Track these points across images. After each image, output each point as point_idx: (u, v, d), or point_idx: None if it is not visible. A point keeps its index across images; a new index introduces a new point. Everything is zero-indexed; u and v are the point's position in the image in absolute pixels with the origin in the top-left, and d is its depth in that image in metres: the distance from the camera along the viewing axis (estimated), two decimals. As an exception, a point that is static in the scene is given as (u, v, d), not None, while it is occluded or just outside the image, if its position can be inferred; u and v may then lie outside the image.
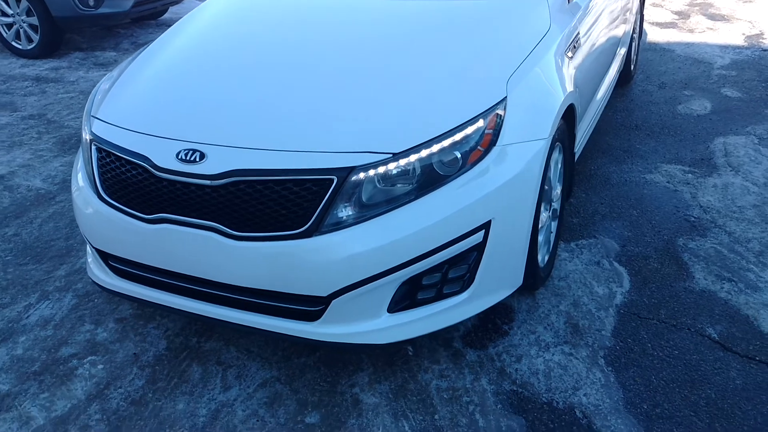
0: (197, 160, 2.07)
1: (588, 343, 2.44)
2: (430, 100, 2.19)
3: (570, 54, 2.70)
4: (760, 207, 3.28)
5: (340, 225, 2.02)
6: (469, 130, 2.13)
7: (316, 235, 2.01)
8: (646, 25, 6.53)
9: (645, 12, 6.96)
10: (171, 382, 2.36)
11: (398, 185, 2.06)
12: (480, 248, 2.18)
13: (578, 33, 2.84)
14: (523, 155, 2.22)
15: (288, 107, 2.18)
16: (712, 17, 6.72)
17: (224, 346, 2.52)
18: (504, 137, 2.19)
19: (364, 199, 2.03)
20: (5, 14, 6.25)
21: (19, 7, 6.17)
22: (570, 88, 2.59)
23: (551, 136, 2.33)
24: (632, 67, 4.95)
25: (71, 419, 2.23)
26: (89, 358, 2.48)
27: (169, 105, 2.32)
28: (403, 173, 2.05)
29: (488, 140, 2.16)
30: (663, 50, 5.78)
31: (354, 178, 2.00)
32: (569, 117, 2.73)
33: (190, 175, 2.07)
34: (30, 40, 6.31)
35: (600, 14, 3.31)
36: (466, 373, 2.34)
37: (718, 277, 2.77)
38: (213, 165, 2.06)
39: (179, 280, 2.24)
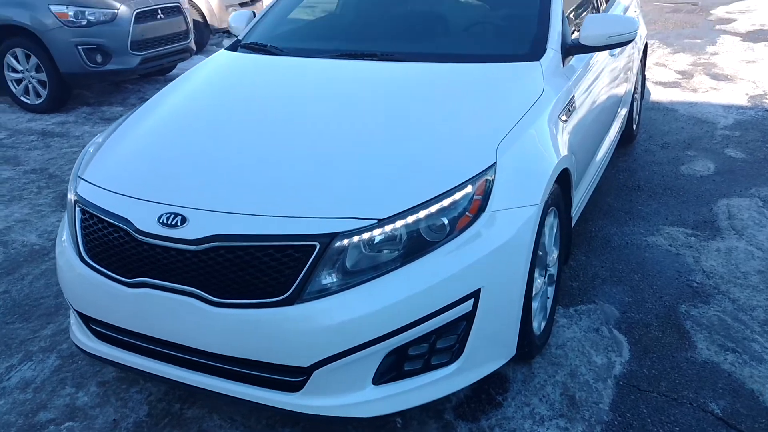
0: (178, 224, 2.03)
1: (585, 417, 2.34)
2: (417, 165, 2.15)
3: (564, 117, 2.67)
4: (765, 273, 3.19)
5: (322, 293, 1.95)
6: (457, 195, 2.08)
7: (297, 303, 1.95)
8: (649, 84, 6.55)
9: (648, 71, 7.00)
10: (149, 453, 2.27)
11: (384, 252, 2.00)
12: (469, 317, 2.10)
13: (573, 96, 2.81)
14: (513, 221, 2.16)
15: (272, 171, 2.15)
16: (716, 77, 6.73)
17: (207, 413, 2.43)
18: (493, 203, 2.14)
19: (348, 265, 1.97)
20: (15, 70, 6.36)
21: (28, 63, 6.28)
22: (564, 152, 2.56)
23: (543, 202, 2.28)
24: (634, 126, 4.94)
25: (42, 492, 2.13)
26: (67, 424, 2.40)
27: (153, 167, 2.30)
28: (389, 239, 2.00)
29: (477, 206, 2.11)
30: (666, 110, 5.77)
31: (337, 244, 1.95)
32: (564, 181, 2.69)
33: (171, 239, 2.03)
34: (38, 95, 6.40)
35: (598, 76, 3.30)
36: (455, 447, 2.24)
37: (721, 348, 2.67)
38: (194, 230, 2.01)
39: (159, 345, 2.18)
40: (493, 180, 2.16)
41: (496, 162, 2.19)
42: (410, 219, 2.01)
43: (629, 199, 4.07)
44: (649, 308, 2.95)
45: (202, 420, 2.40)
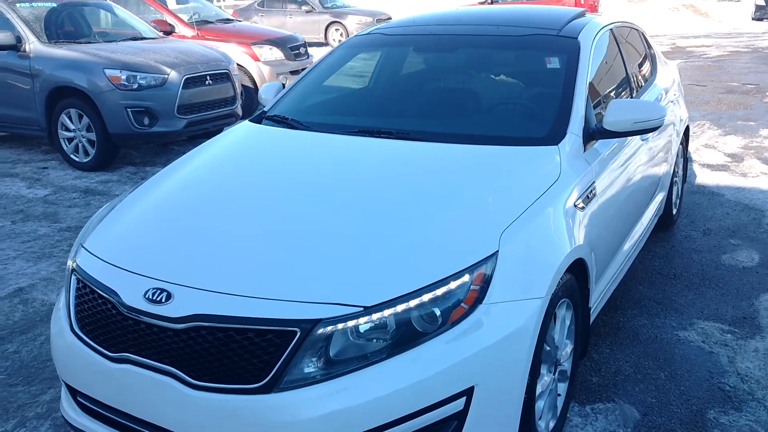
0: (163, 300, 1.98)
1: None
2: (414, 250, 2.07)
3: (582, 204, 2.55)
4: (806, 379, 2.94)
5: (302, 382, 1.86)
6: (453, 285, 1.98)
7: (275, 392, 1.85)
8: (696, 167, 6.35)
9: (696, 153, 6.81)
10: None
11: (370, 341, 1.90)
12: (461, 417, 1.96)
13: (594, 183, 2.70)
14: (513, 315, 2.04)
15: (263, 250, 2.09)
16: (767, 161, 6.49)
17: (188, 498, 2.31)
18: (492, 294, 2.02)
19: (331, 354, 1.88)
20: (68, 129, 6.61)
21: (81, 123, 6.52)
22: (579, 241, 2.43)
23: (549, 295, 2.15)
24: (674, 211, 4.75)
25: None
26: (44, 500, 2.32)
27: (148, 240, 2.28)
28: (376, 328, 1.90)
29: (474, 297, 2.00)
30: (712, 194, 5.55)
31: (320, 331, 1.86)
32: (581, 271, 2.55)
33: (154, 316, 1.98)
34: (87, 154, 6.61)
35: (626, 160, 3.18)
36: None
37: (750, 463, 2.43)
38: (177, 307, 1.96)
39: (139, 425, 2.09)
40: (493, 270, 2.05)
41: (498, 250, 2.09)
42: (400, 308, 1.91)
43: (663, 288, 3.86)
44: (673, 412, 2.74)
45: (181, 505, 2.28)
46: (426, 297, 1.94)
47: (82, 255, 2.34)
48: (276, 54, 9.24)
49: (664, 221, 4.58)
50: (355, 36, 3.79)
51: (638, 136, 3.41)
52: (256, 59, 9.09)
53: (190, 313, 1.93)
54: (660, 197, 4.18)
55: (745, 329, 3.38)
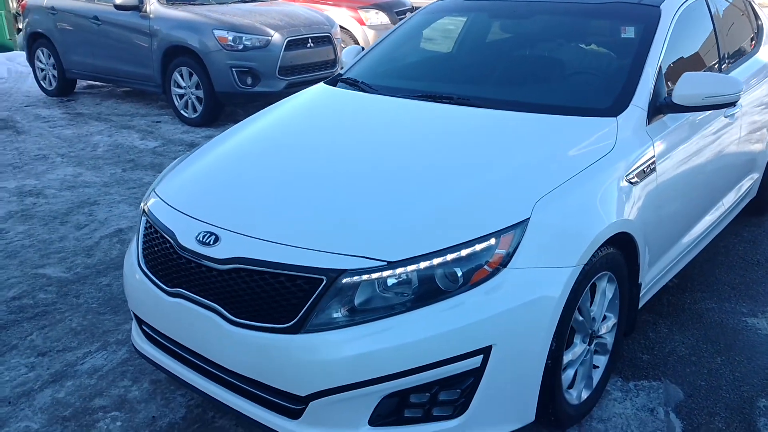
0: (212, 243, 2.17)
1: (603, 501, 2.16)
2: (446, 212, 2.14)
3: (635, 179, 2.51)
4: None
5: (326, 326, 2.00)
6: (478, 247, 2.04)
7: (302, 333, 2.00)
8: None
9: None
10: (171, 452, 2.42)
11: (393, 294, 2.01)
12: (477, 374, 2.04)
13: (653, 158, 2.63)
14: (538, 282, 2.08)
15: (305, 204, 2.24)
16: None
17: (234, 426, 2.54)
18: (518, 260, 2.07)
19: (356, 303, 2.00)
20: (179, 86, 7.05)
21: (191, 80, 6.94)
22: (628, 216, 2.41)
23: (581, 265, 2.16)
24: (771, 195, 4.47)
25: (73, 470, 2.35)
26: (113, 413, 2.62)
27: (207, 188, 2.49)
28: (400, 283, 2.00)
29: (499, 260, 2.05)
30: (823, 179, 5.16)
31: (345, 281, 1.98)
32: (629, 246, 2.52)
33: (203, 257, 2.18)
34: (195, 110, 7.04)
35: (703, 137, 3.05)
36: (455, 506, 2.16)
37: (791, 455, 2.36)
38: (223, 249, 2.15)
39: (188, 353, 2.32)
40: (522, 236, 2.09)
41: (529, 218, 2.12)
42: (423, 265, 2.00)
43: (742, 273, 3.69)
44: (721, 396, 2.67)
45: (227, 431, 2.52)
46: (450, 257, 2.02)
47: (152, 199, 2.58)
48: (382, 18, 9.34)
49: (759, 205, 4.33)
50: (435, 2, 3.82)
51: (722, 114, 3.26)
52: (362, 23, 9.23)
53: (232, 255, 2.11)
54: (753, 178, 3.97)
55: (823, 322, 3.20)
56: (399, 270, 1.99)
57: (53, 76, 8.41)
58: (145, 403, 2.68)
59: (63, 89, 8.48)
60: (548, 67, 3.16)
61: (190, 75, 6.94)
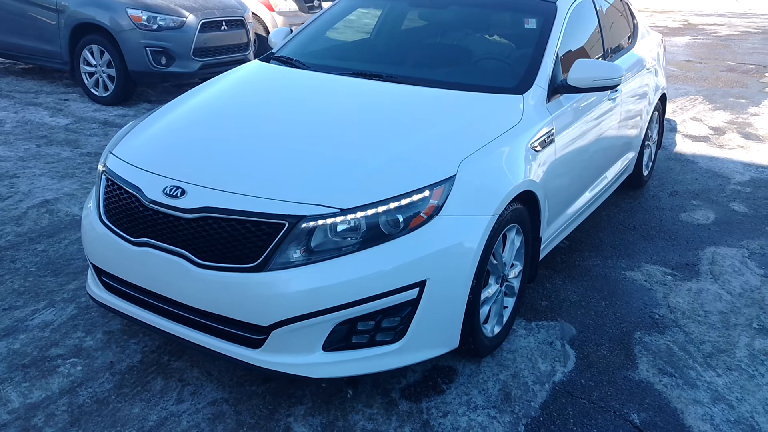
0: (178, 195, 2.43)
1: (514, 410, 2.61)
2: (387, 168, 2.51)
3: (538, 147, 2.97)
4: (726, 314, 3.39)
5: (287, 265, 2.31)
6: (415, 197, 2.42)
7: (265, 271, 2.31)
8: (678, 137, 6.73)
9: (682, 125, 7.17)
10: (134, 390, 2.65)
11: (344, 237, 2.35)
12: (414, 304, 2.42)
13: (552, 130, 3.11)
14: (463, 226, 2.48)
15: (262, 160, 2.54)
16: (747, 136, 6.86)
17: (189, 366, 2.81)
18: (447, 209, 2.47)
19: (312, 245, 2.33)
20: (89, 64, 7.01)
21: (102, 59, 6.92)
22: (530, 176, 2.86)
23: (496, 215, 2.59)
24: (646, 172, 5.15)
25: (41, 407, 2.54)
26: (72, 359, 2.81)
27: (168, 148, 2.73)
28: (350, 228, 2.35)
29: (432, 209, 2.44)
30: (687, 161, 5.95)
31: (303, 225, 2.31)
32: (533, 204, 2.98)
33: (171, 207, 2.43)
34: (106, 89, 7.03)
35: (591, 116, 3.57)
36: (393, 419, 2.54)
37: (660, 371, 2.90)
38: (190, 201, 2.41)
39: (152, 298, 2.57)
40: (451, 189, 2.49)
41: (456, 174, 2.53)
42: (370, 212, 2.36)
43: (621, 237, 4.30)
44: (606, 331, 3.20)
45: (183, 371, 2.78)
46: (392, 205, 2.39)
47: (110, 160, 2.79)
48: (290, 5, 9.56)
49: (634, 180, 4.99)
50: (358, -10, 4.17)
51: (606, 98, 3.80)
52: (271, 9, 9.41)
53: (199, 205, 2.38)
54: (629, 157, 4.59)
55: (685, 273, 3.83)
56: (350, 216, 2.34)
57: (-54, 50, 8.05)
58: (102, 351, 2.88)
59: (-43, 64, 8.14)
60: (465, 51, 3.59)
61: (101, 53, 6.92)
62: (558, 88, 3.27)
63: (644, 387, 2.79)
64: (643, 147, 4.88)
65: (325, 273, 2.31)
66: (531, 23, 3.52)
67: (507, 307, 3.04)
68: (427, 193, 2.44)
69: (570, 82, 3.23)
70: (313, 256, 2.33)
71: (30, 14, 7.22)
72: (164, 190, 2.47)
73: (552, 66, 3.27)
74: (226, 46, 7.39)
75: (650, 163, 5.28)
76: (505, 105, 3.01)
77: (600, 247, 4.13)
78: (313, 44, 3.82)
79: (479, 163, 2.64)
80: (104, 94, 7.05)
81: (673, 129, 7.06)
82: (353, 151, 2.60)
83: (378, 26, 4.18)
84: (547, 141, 3.07)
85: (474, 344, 2.73)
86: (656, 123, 5.25)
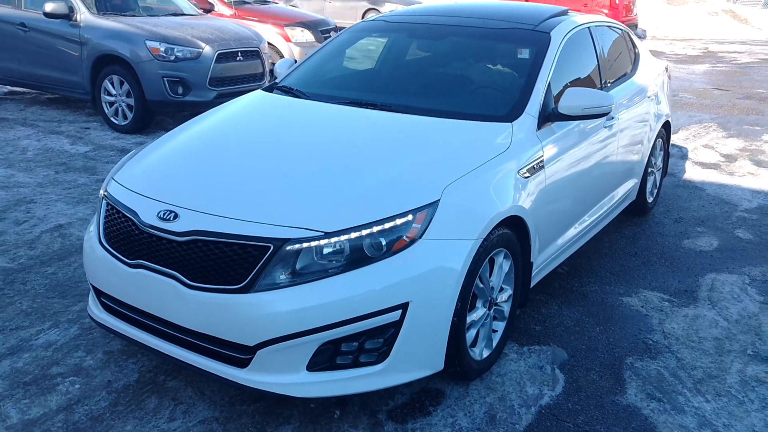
0: (171, 219, 2.54)
1: (498, 432, 2.64)
2: (371, 193, 2.59)
3: (526, 174, 3.03)
4: (721, 340, 3.39)
5: (272, 286, 2.40)
6: (398, 221, 2.49)
7: (251, 292, 2.39)
8: (688, 164, 6.73)
9: (693, 152, 7.17)
10: (128, 408, 2.74)
11: (328, 260, 2.43)
12: (396, 326, 2.48)
13: (541, 157, 3.17)
14: (445, 250, 2.55)
15: (252, 185, 2.65)
16: (759, 163, 6.84)
17: (184, 386, 2.88)
18: (431, 233, 2.53)
19: (297, 267, 2.41)
20: (110, 94, 7.24)
21: (121, 88, 7.15)
22: (520, 203, 2.92)
23: (480, 239, 2.65)
24: (650, 200, 5.16)
25: (38, 423, 2.63)
26: (71, 378, 2.91)
27: (165, 174, 2.86)
28: (333, 250, 2.43)
29: (415, 233, 2.51)
30: (694, 188, 5.95)
31: (288, 248, 2.39)
32: (521, 228, 3.03)
33: (164, 230, 2.54)
34: (125, 118, 7.24)
35: (585, 144, 3.62)
36: (378, 440, 2.59)
37: (648, 396, 2.91)
38: (182, 224, 2.51)
39: (146, 318, 2.67)
40: (434, 213, 2.56)
41: (439, 199, 2.60)
42: (353, 235, 2.44)
43: (621, 263, 4.32)
44: (597, 356, 3.22)
45: (178, 390, 2.86)
46: (376, 228, 2.46)
47: (112, 185, 2.91)
48: (307, 36, 9.79)
49: (638, 207, 5.01)
50: (362, 21, 4.30)
51: (603, 126, 3.86)
52: (288, 40, 9.64)
53: (190, 229, 2.49)
54: (630, 184, 4.61)
55: (683, 299, 3.83)
56: (333, 239, 2.42)
57: (-26, 80, 8.38)
58: (100, 370, 2.98)
59: (-15, 94, 8.46)
60: (460, 80, 3.69)
61: (121, 83, 7.15)
62: (549, 116, 3.33)
63: (631, 412, 2.80)
64: (646, 174, 4.90)
65: (309, 294, 2.39)
66: (524, 53, 3.60)
67: (497, 331, 3.07)
68: (410, 217, 2.52)
69: (561, 110, 3.30)
70: (299, 278, 2.41)
71: (55, 47, 7.50)
72: (158, 213, 2.58)
73: (543, 95, 3.34)
74: (241, 76, 7.58)
75: (655, 190, 5.30)
76: (493, 132, 3.09)
77: (599, 273, 4.15)
78: (313, 74, 3.94)
79: (464, 188, 2.71)
80: (123, 123, 7.27)
81: (684, 156, 7.06)
82: (340, 176, 2.69)
83: (381, 57, 4.29)
84: (537, 168, 3.13)
85: (461, 367, 2.78)
86: (660, 150, 5.27)
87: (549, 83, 3.42)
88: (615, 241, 4.67)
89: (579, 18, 4.10)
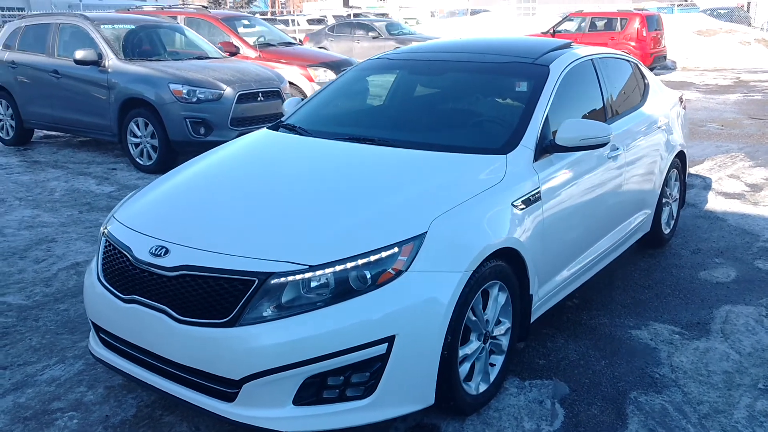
0: (162, 254, 2.59)
1: (491, 469, 2.59)
2: (357, 226, 2.61)
3: (522, 206, 3.02)
4: (730, 374, 3.28)
5: (258, 320, 2.42)
6: (384, 254, 2.50)
7: (237, 326, 2.42)
8: (711, 194, 6.60)
9: (718, 182, 7.04)
10: (123, 443, 2.76)
11: (313, 293, 2.44)
12: (383, 359, 2.47)
13: (538, 189, 3.16)
14: (432, 283, 2.54)
15: (237, 222, 2.72)
16: (785, 193, 6.67)
17: (180, 421, 2.90)
18: (417, 265, 2.53)
19: (282, 301, 2.43)
20: (135, 135, 7.46)
21: (146, 130, 7.36)
22: (514, 235, 2.91)
23: (470, 271, 2.64)
24: (666, 231, 5.07)
25: (34, 458, 2.67)
26: (70, 413, 2.95)
27: (159, 212, 2.95)
28: (319, 283, 2.45)
29: (401, 265, 2.52)
30: (716, 219, 5.83)
31: (273, 281, 2.42)
32: (518, 260, 3.01)
33: (155, 266, 2.59)
34: (150, 158, 7.44)
35: (587, 176, 3.59)
36: (367, 476, 2.56)
37: (650, 431, 2.82)
38: (172, 259, 2.56)
39: (139, 352, 2.71)
40: (420, 246, 2.57)
41: (426, 232, 2.60)
42: (338, 268, 2.45)
43: (633, 295, 4.23)
44: (600, 390, 3.14)
45: (173, 425, 2.87)
46: (360, 261, 2.47)
47: (111, 223, 2.99)
48: (330, 75, 9.97)
49: (654, 239, 4.92)
50: (366, 60, 4.38)
51: (607, 157, 3.83)
52: (311, 80, 9.84)
53: (179, 264, 2.53)
54: (642, 216, 4.54)
55: (695, 332, 3.73)
56: (318, 272, 2.44)
57: (11, 126, 8.74)
58: (100, 405, 3.02)
59: (20, 138, 8.81)
60: (454, 114, 3.72)
61: (146, 125, 7.37)
62: (547, 147, 3.33)
63: (631, 448, 2.73)
64: (660, 205, 4.83)
65: (294, 328, 2.40)
66: (522, 86, 3.62)
67: (494, 365, 3.03)
68: (396, 249, 2.52)
69: (558, 142, 3.29)
70: (284, 311, 2.43)
71: (85, 92, 7.80)
72: (150, 249, 2.64)
73: (540, 127, 3.34)
74: (262, 116, 7.73)
75: (672, 221, 5.20)
76: (486, 165, 3.09)
77: (609, 306, 4.07)
78: (316, 112, 4.02)
79: (453, 220, 2.71)
80: (148, 163, 7.46)
81: (707, 186, 6.93)
82: (330, 209, 2.72)
83: (387, 93, 4.35)
84: (533, 199, 3.11)
85: (455, 401, 2.74)
86: (676, 180, 5.20)
87: (547, 115, 3.42)
88: (628, 273, 4.59)
89: (581, 50, 4.11)
